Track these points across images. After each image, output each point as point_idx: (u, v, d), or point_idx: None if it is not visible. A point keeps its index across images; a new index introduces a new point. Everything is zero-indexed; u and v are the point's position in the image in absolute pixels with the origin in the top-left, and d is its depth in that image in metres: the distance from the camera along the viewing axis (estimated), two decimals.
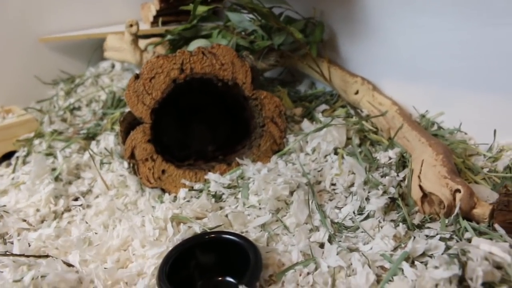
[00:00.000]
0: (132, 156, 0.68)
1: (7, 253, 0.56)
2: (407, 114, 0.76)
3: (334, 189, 0.64)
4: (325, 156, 0.70)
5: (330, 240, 0.55)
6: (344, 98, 0.86)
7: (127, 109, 0.98)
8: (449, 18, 0.70)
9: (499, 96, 0.68)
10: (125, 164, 0.77)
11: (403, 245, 0.52)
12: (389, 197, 0.59)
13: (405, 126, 0.70)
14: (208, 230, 0.57)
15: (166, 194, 0.69)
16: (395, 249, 0.52)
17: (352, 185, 0.64)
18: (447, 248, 0.49)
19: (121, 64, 1.21)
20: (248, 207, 0.61)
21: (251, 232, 0.57)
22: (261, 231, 0.57)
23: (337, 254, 0.52)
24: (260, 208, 0.61)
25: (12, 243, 0.61)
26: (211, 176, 0.69)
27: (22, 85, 1.19)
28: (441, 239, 0.51)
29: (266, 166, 0.69)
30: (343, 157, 0.68)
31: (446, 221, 0.54)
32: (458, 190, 0.55)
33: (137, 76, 0.67)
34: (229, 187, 0.66)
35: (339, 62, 0.93)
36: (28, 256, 0.55)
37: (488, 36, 0.66)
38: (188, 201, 0.65)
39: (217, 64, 0.70)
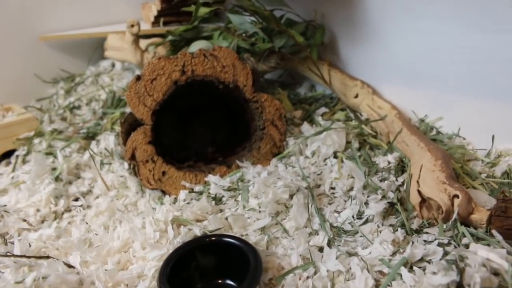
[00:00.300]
0: (132, 157, 0.69)
1: (8, 253, 0.57)
2: (406, 118, 0.76)
3: (333, 193, 0.65)
4: (325, 160, 0.71)
5: (329, 244, 0.55)
6: (343, 101, 0.86)
7: (127, 109, 0.98)
8: (449, 23, 0.71)
9: (498, 101, 0.68)
10: (125, 165, 0.77)
11: (401, 250, 0.52)
12: (388, 202, 0.60)
13: (404, 130, 0.71)
14: (209, 233, 0.57)
15: (166, 196, 0.69)
16: (393, 254, 0.52)
17: (351, 189, 0.64)
18: (445, 253, 0.50)
19: (121, 63, 1.21)
20: (248, 210, 0.62)
21: (251, 235, 0.58)
22: (261, 234, 0.58)
23: (336, 258, 0.52)
24: (260, 211, 0.61)
25: (12, 243, 0.61)
26: (211, 178, 0.69)
27: (22, 83, 1.19)
28: (439, 244, 0.52)
29: (266, 169, 0.69)
30: (342, 161, 0.68)
31: (444, 226, 0.55)
32: (456, 196, 0.55)
33: (138, 78, 0.68)
34: (229, 189, 0.67)
35: (339, 65, 0.93)
36: (29, 257, 0.56)
37: (488, 42, 0.67)
38: (188, 203, 0.66)
39: (218, 67, 0.70)
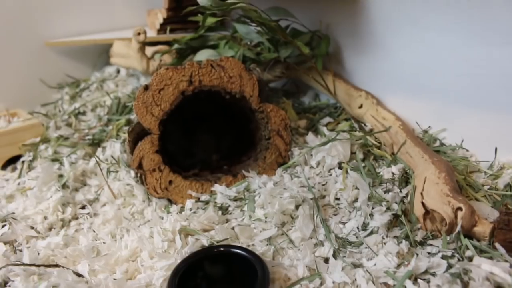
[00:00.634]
0: (139, 166, 0.69)
1: (18, 262, 0.57)
2: (410, 129, 0.77)
3: (338, 204, 0.65)
4: (329, 170, 0.72)
5: (334, 255, 0.56)
6: (348, 111, 0.87)
7: (132, 116, 0.99)
8: (453, 36, 0.72)
9: (501, 114, 0.69)
10: (132, 173, 0.78)
11: (406, 263, 0.53)
12: (392, 214, 0.61)
13: (408, 142, 0.72)
14: (216, 243, 0.58)
15: (173, 205, 0.70)
16: (398, 266, 0.53)
17: (356, 200, 0.65)
18: (449, 266, 0.51)
19: (126, 69, 1.22)
20: (254, 220, 0.63)
21: (257, 246, 0.58)
22: (267, 244, 0.59)
23: (341, 270, 0.53)
24: (266, 222, 0.62)
25: (21, 251, 0.62)
26: (217, 188, 0.70)
27: (28, 88, 1.20)
28: (443, 257, 0.53)
29: (272, 179, 0.70)
30: (347, 172, 0.69)
31: (448, 238, 0.56)
32: (459, 208, 0.56)
33: (146, 87, 0.68)
34: (235, 199, 0.68)
35: (343, 75, 0.94)
36: (38, 266, 0.56)
37: (492, 55, 0.68)
38: (195, 212, 0.66)
39: (225, 77, 0.71)
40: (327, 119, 0.87)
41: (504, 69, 0.67)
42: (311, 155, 0.74)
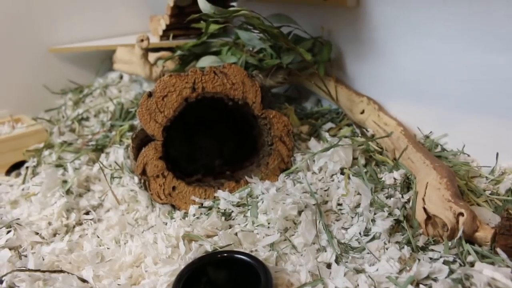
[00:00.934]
0: (143, 172, 0.70)
1: (23, 268, 0.58)
2: (412, 135, 0.78)
3: (340, 209, 0.66)
4: (332, 176, 0.72)
5: (337, 261, 0.57)
6: (350, 117, 0.88)
7: (135, 121, 1.00)
8: (454, 42, 0.73)
9: (502, 119, 0.70)
10: (136, 179, 0.78)
11: (408, 268, 0.53)
12: (394, 219, 0.61)
13: (410, 147, 0.72)
14: (219, 249, 0.58)
15: (177, 211, 0.71)
16: (400, 271, 0.53)
17: (358, 205, 0.65)
18: (451, 272, 0.51)
19: (129, 75, 1.23)
20: (257, 226, 0.63)
21: (260, 251, 0.59)
22: (270, 250, 0.59)
23: (344, 275, 0.53)
24: (269, 227, 0.62)
25: (26, 256, 0.63)
26: (220, 194, 0.71)
27: (31, 94, 1.21)
28: (444, 262, 0.53)
29: (275, 185, 0.71)
30: (349, 177, 0.69)
31: (449, 243, 0.56)
32: (461, 214, 0.56)
33: (150, 94, 0.69)
34: (238, 205, 0.68)
35: (345, 81, 0.95)
36: (43, 271, 0.57)
37: (492, 61, 0.69)
38: (198, 218, 0.67)
39: (228, 84, 0.72)
40: (329, 125, 0.87)
41: (505, 74, 0.68)
42: (314, 160, 0.74)
